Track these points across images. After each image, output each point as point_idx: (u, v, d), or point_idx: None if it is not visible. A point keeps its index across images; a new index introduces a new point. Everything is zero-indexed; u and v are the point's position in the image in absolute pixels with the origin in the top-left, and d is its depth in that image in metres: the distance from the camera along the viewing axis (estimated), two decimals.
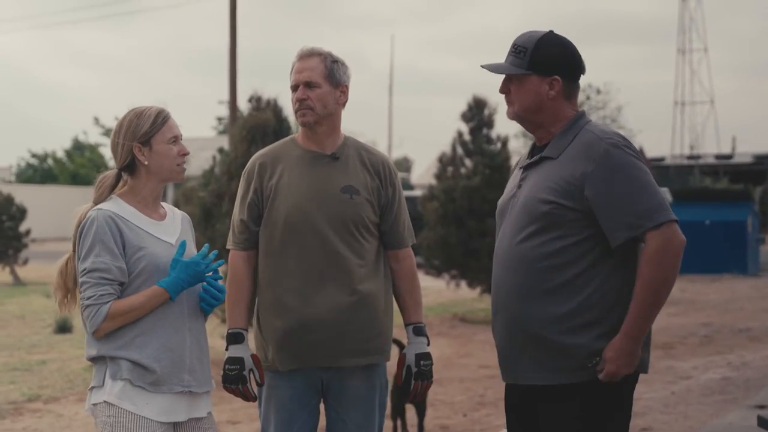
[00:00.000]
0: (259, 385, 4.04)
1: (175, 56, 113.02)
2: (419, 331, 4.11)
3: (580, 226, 3.46)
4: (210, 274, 3.63)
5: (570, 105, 3.62)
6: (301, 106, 4.02)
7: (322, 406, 4.11)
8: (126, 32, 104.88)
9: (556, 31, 3.65)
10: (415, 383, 4.08)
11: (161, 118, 3.60)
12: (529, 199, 3.53)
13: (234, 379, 3.97)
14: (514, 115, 3.64)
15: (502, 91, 3.66)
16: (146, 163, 3.57)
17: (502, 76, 3.64)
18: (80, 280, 3.48)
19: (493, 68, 3.64)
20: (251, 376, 4.00)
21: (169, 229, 3.65)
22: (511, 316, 3.54)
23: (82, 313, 3.50)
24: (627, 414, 3.58)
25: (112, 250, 3.46)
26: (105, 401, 3.48)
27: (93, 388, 3.54)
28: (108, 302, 3.44)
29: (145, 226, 3.57)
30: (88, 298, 3.45)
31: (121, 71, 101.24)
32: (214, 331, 11.65)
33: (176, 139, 3.62)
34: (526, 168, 3.65)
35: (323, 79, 4.03)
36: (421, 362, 4.08)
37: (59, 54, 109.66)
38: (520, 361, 3.56)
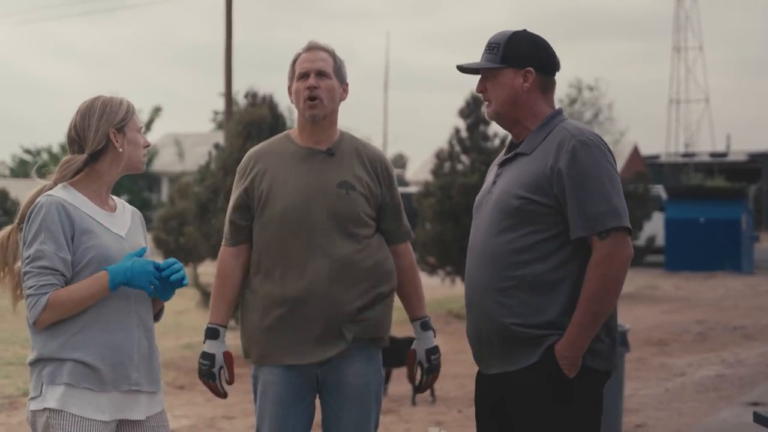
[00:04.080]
0: (228, 383, 4.05)
1: (163, 51, 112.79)
2: (426, 325, 4.16)
3: (552, 221, 3.50)
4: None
5: (546, 101, 3.67)
6: (311, 94, 4.00)
7: (317, 402, 4.12)
8: (113, 27, 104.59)
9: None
10: (426, 377, 4.14)
11: (132, 108, 3.57)
12: (502, 195, 3.59)
13: (205, 374, 4.01)
14: (493, 113, 3.70)
15: (478, 90, 3.73)
16: (120, 150, 3.50)
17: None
18: (23, 269, 3.38)
19: (468, 65, 3.72)
20: (221, 374, 4.01)
21: (119, 222, 3.56)
22: (485, 310, 3.58)
23: (25, 303, 3.39)
24: (597, 408, 3.59)
25: (58, 239, 3.36)
26: (46, 407, 3.36)
27: (32, 398, 3.42)
28: (47, 293, 3.33)
29: (96, 216, 3.48)
30: (29, 288, 3.35)
31: (108, 66, 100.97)
32: None
33: (141, 129, 3.60)
34: (502, 164, 3.71)
35: (333, 72, 4.06)
36: (432, 357, 4.14)
37: (44, 49, 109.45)
38: (492, 353, 3.60)
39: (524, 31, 3.70)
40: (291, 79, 4.10)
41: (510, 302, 3.51)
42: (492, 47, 3.66)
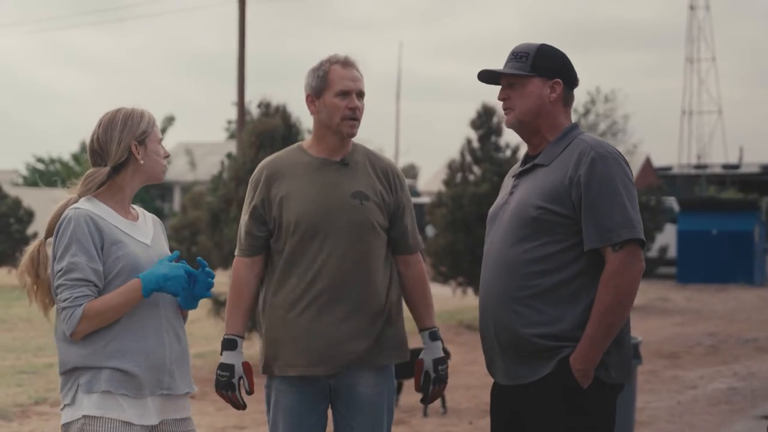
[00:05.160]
0: (248, 393, 4.05)
1: (175, 60, 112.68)
2: (434, 335, 4.14)
3: (570, 231, 3.52)
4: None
5: (565, 113, 3.71)
6: (353, 115, 4.02)
7: (330, 412, 4.12)
8: (125, 36, 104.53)
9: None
10: (432, 387, 4.12)
11: (153, 120, 3.61)
12: (520, 205, 3.60)
13: (224, 386, 3.99)
14: (514, 120, 3.70)
15: (501, 97, 3.73)
16: (142, 162, 3.55)
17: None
18: (56, 282, 3.43)
19: (496, 71, 3.71)
20: (240, 384, 4.01)
21: (143, 230, 3.61)
22: (500, 319, 3.59)
23: (58, 316, 3.45)
24: (609, 420, 3.59)
25: (89, 251, 3.41)
26: (84, 415, 3.40)
27: (65, 406, 3.46)
28: (82, 304, 3.38)
29: (122, 226, 3.53)
30: (64, 301, 3.40)
31: (120, 75, 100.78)
32: (220, 335, 11.66)
33: (161, 140, 3.64)
34: (519, 176, 3.72)
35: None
36: (439, 367, 4.12)
37: (57, 59, 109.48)
38: (506, 364, 3.61)
39: (547, 44, 3.72)
40: (320, 89, 4.04)
41: (526, 312, 3.52)
42: (520, 56, 3.67)
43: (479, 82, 3.77)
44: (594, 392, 3.49)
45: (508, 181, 3.81)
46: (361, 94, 4.06)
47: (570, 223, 3.52)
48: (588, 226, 3.48)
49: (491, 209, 3.80)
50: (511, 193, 3.70)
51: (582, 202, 3.49)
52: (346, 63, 4.07)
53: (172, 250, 3.75)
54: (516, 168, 3.80)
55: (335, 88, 4.02)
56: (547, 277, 3.51)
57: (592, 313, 3.46)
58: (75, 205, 3.49)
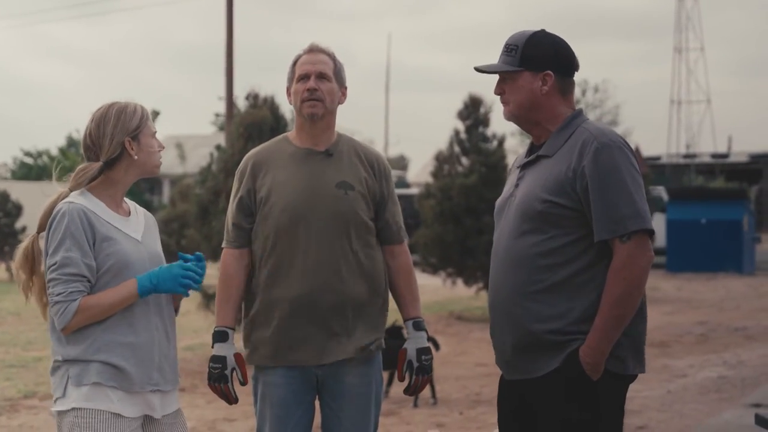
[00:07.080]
0: (242, 384, 4.04)
1: (160, 53, 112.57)
2: (419, 325, 4.13)
3: (576, 224, 3.47)
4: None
5: (565, 102, 3.63)
6: (311, 95, 4.02)
7: (317, 403, 4.12)
8: (110, 29, 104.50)
9: (548, 29, 3.68)
10: (415, 378, 4.11)
11: (146, 114, 3.61)
12: (525, 198, 3.55)
13: (216, 378, 3.98)
14: (510, 115, 3.66)
15: (496, 92, 3.68)
16: (136, 157, 3.55)
17: (497, 76, 3.67)
18: (49, 276, 3.43)
19: (486, 68, 3.67)
20: (233, 376, 4.00)
21: (134, 225, 3.61)
22: (509, 314, 3.55)
23: (50, 309, 3.46)
24: (619, 410, 3.57)
25: (82, 246, 3.42)
26: (74, 408, 3.42)
27: (57, 399, 3.47)
28: (76, 299, 3.40)
29: (114, 222, 3.53)
30: (58, 295, 3.40)
31: (105, 68, 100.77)
32: (210, 328, 11.65)
33: (155, 134, 3.64)
34: (524, 167, 3.66)
35: (333, 75, 4.07)
36: (422, 357, 4.10)
37: (41, 52, 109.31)
38: (517, 357, 3.57)
39: (542, 31, 3.64)
40: (291, 80, 4.11)
41: (536, 307, 3.48)
42: (510, 49, 3.61)
43: (475, 72, 3.70)
44: (604, 384, 3.45)
45: (513, 173, 3.75)
46: (322, 76, 4.04)
47: (576, 216, 3.46)
48: (595, 217, 3.42)
49: (498, 202, 3.75)
50: (516, 186, 3.64)
51: (588, 193, 3.43)
52: (311, 49, 4.11)
53: (162, 243, 3.74)
54: (521, 158, 3.75)
55: (297, 75, 4.07)
56: (556, 271, 3.46)
57: (601, 305, 3.40)
58: (68, 199, 3.49)
